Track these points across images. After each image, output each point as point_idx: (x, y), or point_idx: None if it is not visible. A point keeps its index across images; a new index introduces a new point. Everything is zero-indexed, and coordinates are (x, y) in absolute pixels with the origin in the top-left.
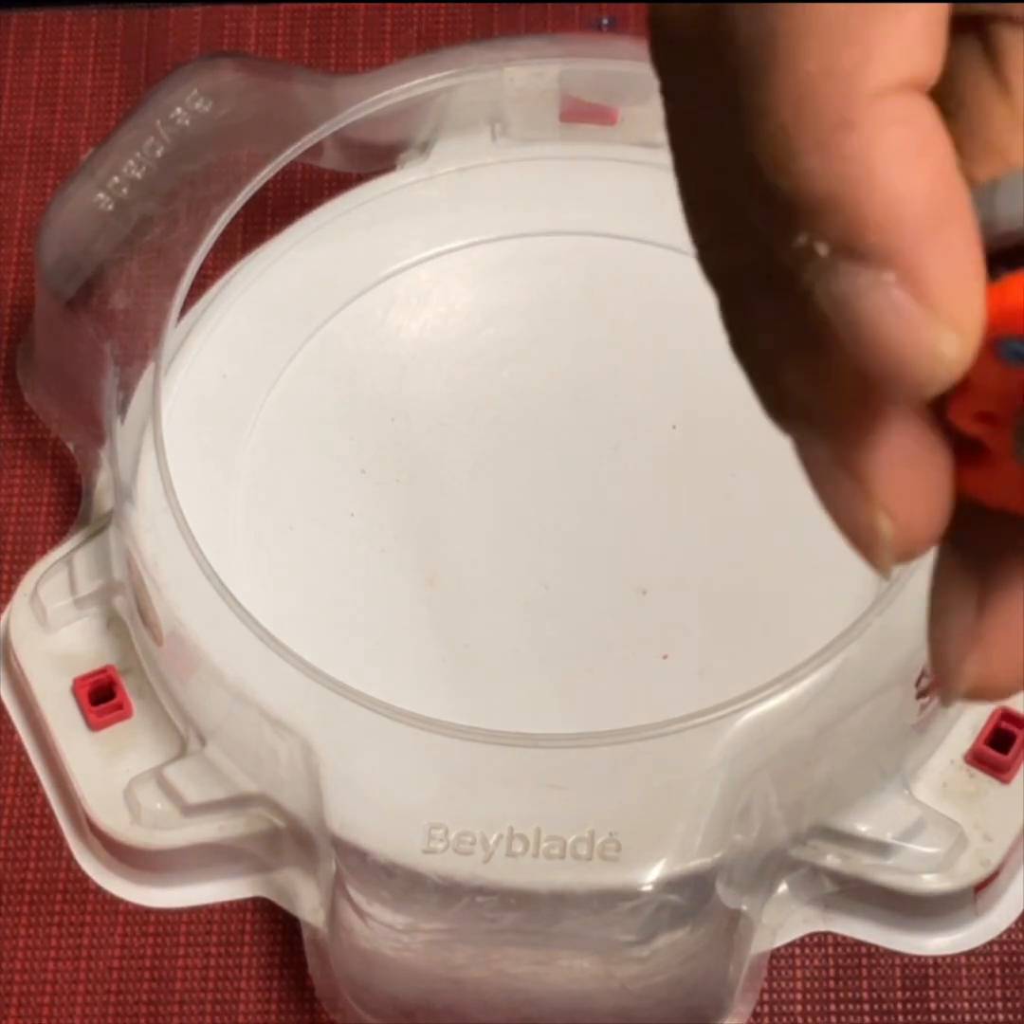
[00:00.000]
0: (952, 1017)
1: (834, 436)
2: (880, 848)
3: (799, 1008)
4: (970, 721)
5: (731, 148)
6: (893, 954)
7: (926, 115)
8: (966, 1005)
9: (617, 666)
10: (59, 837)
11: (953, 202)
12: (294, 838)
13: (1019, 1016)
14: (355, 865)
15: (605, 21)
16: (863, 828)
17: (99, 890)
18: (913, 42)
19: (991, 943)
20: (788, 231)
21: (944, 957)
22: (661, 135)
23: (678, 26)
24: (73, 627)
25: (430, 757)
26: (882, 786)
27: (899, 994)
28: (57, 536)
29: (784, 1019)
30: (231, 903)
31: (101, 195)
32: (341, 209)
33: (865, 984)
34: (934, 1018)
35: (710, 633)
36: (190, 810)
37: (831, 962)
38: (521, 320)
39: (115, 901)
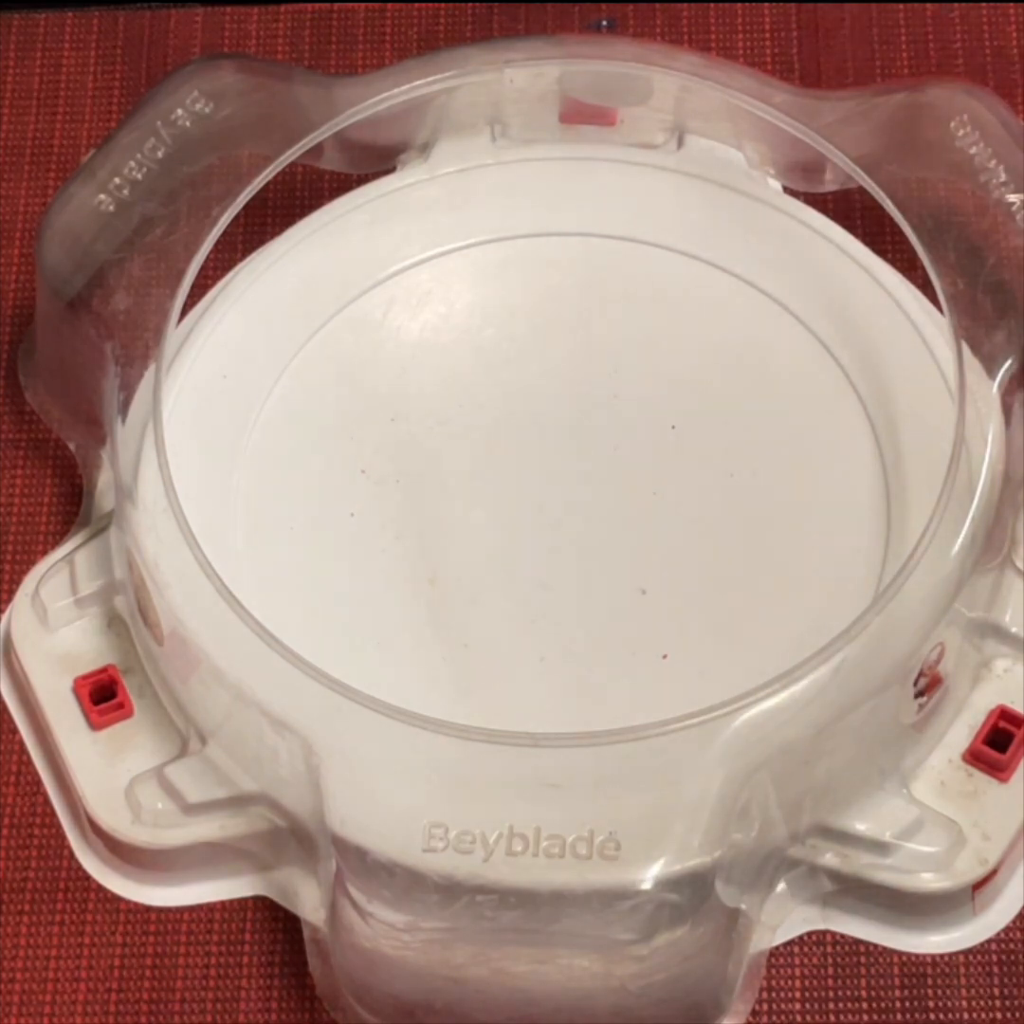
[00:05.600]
0: (950, 1015)
1: None
2: (879, 847)
3: (798, 1006)
4: (968, 720)
5: None
6: (892, 952)
7: None
8: (964, 1003)
9: (617, 666)
10: (60, 836)
11: None
12: (295, 837)
13: (1017, 1014)
14: (355, 864)
15: (605, 22)
16: (862, 827)
17: (100, 889)
18: None
19: (989, 942)
20: None
21: (942, 955)
22: (660, 136)
23: None
24: (74, 627)
25: (430, 757)
26: (881, 785)
27: (897, 992)
28: (58, 536)
29: (783, 1017)
30: (232, 902)
31: (102, 196)
32: (341, 210)
33: (864, 982)
34: (932, 1016)
35: (709, 633)
36: (191, 809)
37: (830, 960)
38: (521, 320)
39: (116, 900)
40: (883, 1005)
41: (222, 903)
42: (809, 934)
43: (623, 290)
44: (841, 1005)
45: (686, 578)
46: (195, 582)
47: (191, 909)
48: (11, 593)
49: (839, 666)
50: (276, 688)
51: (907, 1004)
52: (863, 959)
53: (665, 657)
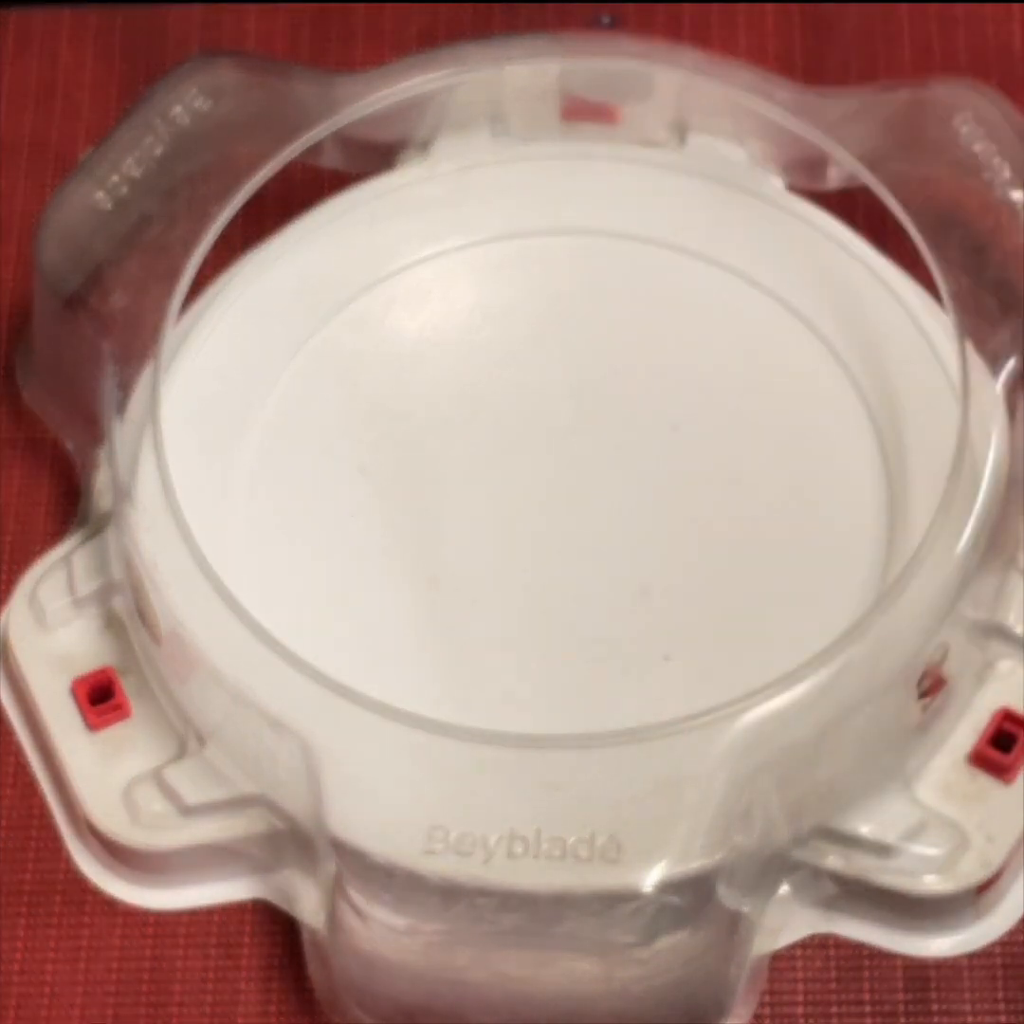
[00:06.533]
0: (954, 1019)
1: None
2: (882, 849)
3: (800, 1010)
4: (972, 722)
5: None
6: (895, 956)
7: None
8: (968, 1007)
9: (618, 666)
10: (57, 838)
11: None
12: (293, 839)
13: (1021, 1018)
14: (355, 866)
15: (606, 19)
16: (865, 829)
17: (97, 891)
18: None
19: (993, 945)
20: None
21: (946, 959)
22: (662, 134)
23: None
24: (72, 627)
25: (430, 757)
26: (884, 787)
27: (900, 996)
28: (56, 536)
29: (785, 1021)
30: (230, 905)
31: (100, 194)
32: (341, 208)
33: (867, 986)
34: (936, 1019)
35: (711, 634)
36: (189, 811)
37: (832, 964)
38: (521, 320)
39: (114, 903)
40: (886, 1009)
41: (221, 906)
42: (811, 937)
43: (624, 288)
44: (844, 1009)
45: (688, 579)
46: (193, 582)
47: (189, 912)
48: (8, 593)
49: (842, 667)
50: (275, 689)
51: (910, 1007)
52: (866, 962)
53: (667, 658)
